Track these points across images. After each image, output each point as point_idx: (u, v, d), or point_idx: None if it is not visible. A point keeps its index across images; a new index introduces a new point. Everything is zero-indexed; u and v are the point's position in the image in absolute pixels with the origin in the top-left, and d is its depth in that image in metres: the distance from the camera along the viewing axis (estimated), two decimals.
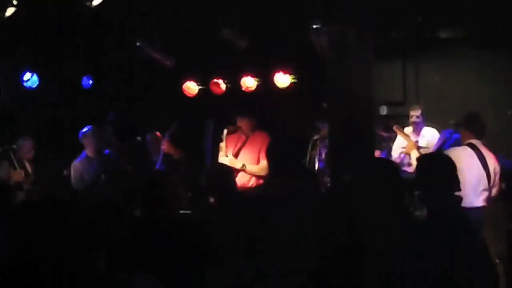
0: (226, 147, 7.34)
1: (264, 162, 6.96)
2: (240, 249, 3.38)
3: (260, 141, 7.22)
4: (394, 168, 3.87)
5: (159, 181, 4.48)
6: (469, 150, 5.94)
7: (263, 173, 6.92)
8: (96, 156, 7.44)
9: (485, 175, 5.94)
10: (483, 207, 5.96)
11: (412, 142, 7.33)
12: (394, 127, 7.49)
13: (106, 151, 7.60)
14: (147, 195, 4.39)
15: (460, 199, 3.80)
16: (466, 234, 3.59)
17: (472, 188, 5.80)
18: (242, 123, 7.43)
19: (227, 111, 7.81)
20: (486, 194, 5.98)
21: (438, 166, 3.74)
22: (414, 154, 6.70)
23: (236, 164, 7.14)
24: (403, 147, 7.74)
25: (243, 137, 7.41)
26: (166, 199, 4.36)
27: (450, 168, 3.70)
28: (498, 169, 6.12)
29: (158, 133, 7.84)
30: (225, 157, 7.32)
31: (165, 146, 7.57)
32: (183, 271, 3.82)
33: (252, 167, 7.13)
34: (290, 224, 3.65)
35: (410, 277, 3.33)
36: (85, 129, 7.61)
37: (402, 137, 7.56)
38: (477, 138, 6.07)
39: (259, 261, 3.40)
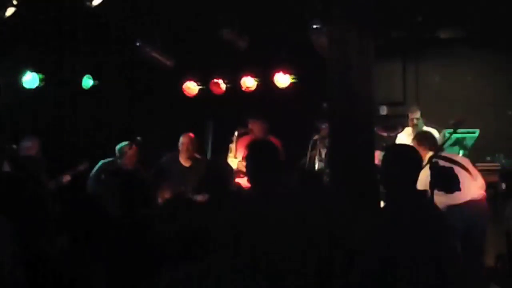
0: (237, 149, 7.28)
1: None
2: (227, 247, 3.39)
3: None
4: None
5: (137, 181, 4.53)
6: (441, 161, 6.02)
7: None
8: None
9: (461, 169, 5.98)
10: (482, 195, 6.07)
11: None
12: None
13: None
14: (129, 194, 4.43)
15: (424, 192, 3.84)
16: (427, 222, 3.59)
17: (464, 183, 5.84)
18: (254, 125, 7.36)
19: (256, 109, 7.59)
20: (476, 184, 6.08)
21: (400, 157, 3.76)
22: None
23: (244, 167, 7.10)
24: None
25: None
26: (143, 198, 4.41)
27: (411, 160, 3.73)
28: (466, 160, 6.29)
29: (191, 134, 7.43)
30: (233, 159, 7.28)
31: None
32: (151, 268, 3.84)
33: None
34: (288, 225, 3.65)
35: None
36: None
37: None
38: (432, 151, 6.13)
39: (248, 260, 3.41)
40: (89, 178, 7.32)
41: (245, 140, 7.36)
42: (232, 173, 5.10)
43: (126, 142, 7.18)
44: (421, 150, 5.87)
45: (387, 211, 3.78)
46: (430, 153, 5.82)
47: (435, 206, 3.84)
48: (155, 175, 7.37)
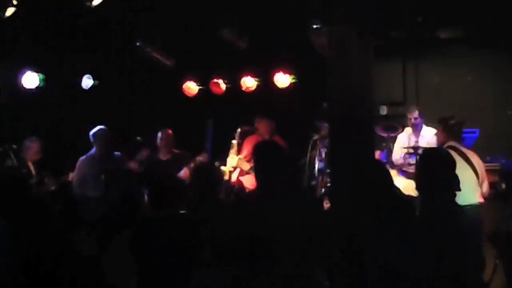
0: (243, 147, 7.25)
1: None
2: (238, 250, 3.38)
3: None
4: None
5: (167, 181, 4.49)
6: (452, 152, 5.97)
7: None
8: (102, 156, 7.38)
9: (472, 172, 5.99)
10: (479, 203, 6.06)
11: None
12: None
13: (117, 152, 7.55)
14: (155, 194, 4.40)
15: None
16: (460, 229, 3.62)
17: (465, 187, 5.82)
18: (261, 124, 7.32)
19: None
20: (479, 190, 6.10)
21: (438, 162, 3.78)
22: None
23: (243, 165, 7.09)
24: (404, 148, 7.76)
25: (261, 140, 7.22)
26: (173, 198, 4.38)
27: (449, 165, 3.74)
28: (482, 164, 6.24)
29: (169, 131, 7.68)
30: (234, 156, 7.26)
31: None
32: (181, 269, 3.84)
33: None
34: (288, 225, 3.65)
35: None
36: (96, 129, 7.55)
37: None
38: (455, 140, 6.12)
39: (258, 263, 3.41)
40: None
41: (253, 139, 7.33)
42: (221, 179, 5.08)
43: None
44: (443, 136, 5.93)
45: (426, 216, 3.76)
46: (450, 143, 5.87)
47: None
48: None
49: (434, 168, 3.75)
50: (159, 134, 7.60)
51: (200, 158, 7.05)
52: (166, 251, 3.99)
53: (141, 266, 4.05)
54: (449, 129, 6.22)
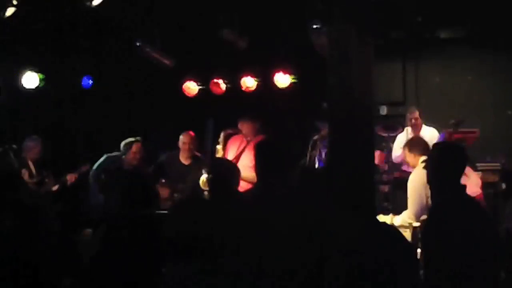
0: (227, 149, 7.20)
1: None
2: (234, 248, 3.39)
3: None
4: None
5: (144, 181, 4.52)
6: None
7: None
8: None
9: None
10: (478, 196, 6.05)
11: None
12: None
13: None
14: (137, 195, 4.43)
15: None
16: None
17: None
18: (244, 126, 7.22)
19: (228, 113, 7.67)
20: (469, 182, 6.04)
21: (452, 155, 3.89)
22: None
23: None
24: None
25: (245, 141, 7.20)
26: (150, 198, 4.41)
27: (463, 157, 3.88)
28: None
29: (192, 133, 7.57)
30: None
31: None
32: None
33: (248, 175, 5.93)
34: (287, 225, 3.65)
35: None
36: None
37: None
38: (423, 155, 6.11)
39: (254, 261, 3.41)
40: (92, 170, 7.42)
41: (237, 139, 7.25)
42: (238, 172, 5.06)
43: (132, 139, 7.34)
44: (412, 156, 5.91)
45: (438, 207, 3.84)
46: (423, 157, 5.80)
47: (479, 203, 3.96)
48: (154, 172, 7.43)
49: (448, 162, 3.83)
50: (181, 137, 7.49)
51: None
52: (139, 249, 4.00)
53: (117, 264, 4.05)
54: (414, 149, 6.15)
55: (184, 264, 2.87)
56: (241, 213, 3.77)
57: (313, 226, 3.66)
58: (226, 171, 4.92)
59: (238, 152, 7.13)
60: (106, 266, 3.81)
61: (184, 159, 7.52)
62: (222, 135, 7.25)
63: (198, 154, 7.57)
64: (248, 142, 7.16)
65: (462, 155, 3.93)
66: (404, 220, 5.57)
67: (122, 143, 7.36)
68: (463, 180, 5.87)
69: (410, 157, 6.00)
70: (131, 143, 7.31)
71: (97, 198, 7.20)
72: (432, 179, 3.91)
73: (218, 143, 7.27)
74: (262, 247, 3.54)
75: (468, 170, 6.11)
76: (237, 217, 3.65)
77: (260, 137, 7.10)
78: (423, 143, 6.17)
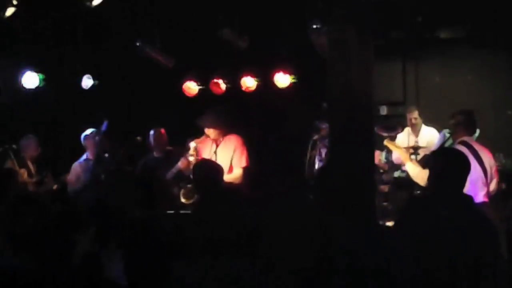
0: (200, 155, 7.11)
1: (237, 171, 6.88)
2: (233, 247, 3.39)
3: (231, 146, 7.07)
4: None
5: (146, 181, 4.51)
6: (463, 148, 5.92)
7: (237, 181, 6.70)
8: (95, 158, 7.48)
9: (481, 170, 5.94)
10: (484, 202, 5.97)
11: (406, 154, 7.02)
12: (385, 142, 7.32)
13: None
14: (136, 195, 4.42)
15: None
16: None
17: (472, 185, 5.79)
18: (209, 132, 7.17)
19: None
20: (485, 189, 6.00)
21: (454, 161, 3.72)
22: (409, 166, 6.52)
23: None
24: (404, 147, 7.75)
25: (214, 144, 7.18)
26: (153, 199, 4.39)
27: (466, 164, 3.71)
28: (493, 163, 6.15)
29: (162, 130, 7.71)
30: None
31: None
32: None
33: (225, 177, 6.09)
34: (286, 224, 3.65)
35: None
36: (87, 132, 7.64)
37: (395, 150, 7.34)
38: (469, 135, 6.07)
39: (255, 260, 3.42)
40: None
41: (208, 143, 7.19)
42: (222, 171, 5.09)
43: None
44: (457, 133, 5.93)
45: (438, 214, 3.68)
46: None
47: (482, 212, 3.83)
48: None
49: (449, 169, 3.64)
50: (151, 133, 7.67)
51: None
52: (151, 248, 4.01)
53: (129, 263, 4.06)
54: (468, 123, 6.13)
55: (189, 264, 2.88)
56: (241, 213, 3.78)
57: (314, 227, 3.66)
58: (210, 171, 4.95)
59: (210, 156, 7.07)
60: (99, 266, 3.81)
61: (156, 153, 7.68)
62: (192, 146, 7.09)
63: (169, 148, 7.70)
64: (217, 145, 7.17)
65: (467, 163, 3.72)
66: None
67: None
68: (477, 186, 5.84)
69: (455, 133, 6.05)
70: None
71: (88, 195, 7.18)
72: (436, 187, 3.73)
73: (190, 155, 7.08)
74: (262, 247, 3.54)
75: (492, 176, 6.07)
76: (237, 217, 3.66)
77: (228, 137, 7.16)
78: (473, 121, 6.14)
